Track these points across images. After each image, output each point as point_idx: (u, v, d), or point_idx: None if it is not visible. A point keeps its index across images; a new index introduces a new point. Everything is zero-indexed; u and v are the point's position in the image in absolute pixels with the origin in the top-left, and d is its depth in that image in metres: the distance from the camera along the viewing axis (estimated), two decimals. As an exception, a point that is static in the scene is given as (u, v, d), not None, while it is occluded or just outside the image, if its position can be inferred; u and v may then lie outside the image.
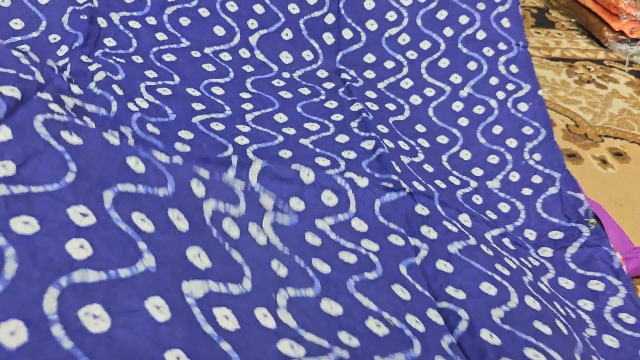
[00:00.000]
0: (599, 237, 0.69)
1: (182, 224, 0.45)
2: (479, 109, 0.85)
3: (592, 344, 0.55)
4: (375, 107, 0.81)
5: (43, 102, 0.48)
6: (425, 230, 0.58)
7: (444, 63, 0.90)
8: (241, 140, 0.67)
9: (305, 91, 0.82)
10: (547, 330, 0.50)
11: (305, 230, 0.54)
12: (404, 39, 0.92)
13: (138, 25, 0.80)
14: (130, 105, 0.63)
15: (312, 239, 0.54)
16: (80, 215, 0.39)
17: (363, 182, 0.61)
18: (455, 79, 0.88)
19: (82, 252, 0.37)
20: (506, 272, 0.56)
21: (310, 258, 0.51)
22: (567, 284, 0.64)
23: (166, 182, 0.48)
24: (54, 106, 0.48)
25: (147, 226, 0.42)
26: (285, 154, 0.66)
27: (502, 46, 0.91)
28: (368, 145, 0.70)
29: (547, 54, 1.24)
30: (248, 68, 0.83)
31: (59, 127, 0.45)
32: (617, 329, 0.59)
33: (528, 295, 0.54)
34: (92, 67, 0.66)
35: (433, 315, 0.50)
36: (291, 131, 0.71)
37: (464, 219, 0.64)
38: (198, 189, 0.49)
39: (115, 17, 0.78)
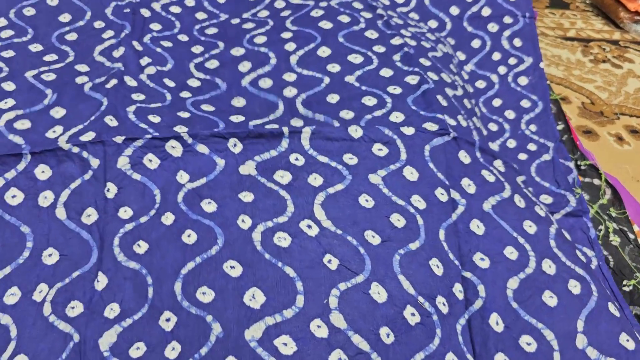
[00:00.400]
0: (582, 208, 0.74)
1: (236, 272, 0.51)
2: (480, 84, 0.88)
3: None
4: (414, 42, 0.79)
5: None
6: (466, 183, 0.61)
7: (449, 42, 0.92)
8: (289, 91, 0.69)
9: (344, 18, 0.79)
10: (553, 302, 0.53)
11: (359, 192, 0.57)
12: (412, 18, 0.93)
13: (179, 10, 0.83)
14: (183, 94, 0.68)
15: (365, 202, 0.57)
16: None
17: (409, 130, 0.62)
18: (459, 56, 0.90)
19: (173, 353, 0.47)
20: (532, 230, 0.59)
21: (362, 231, 0.55)
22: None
23: (216, 237, 0.53)
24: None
25: (208, 298, 0.50)
26: (333, 98, 0.68)
27: (507, 20, 0.93)
28: (412, 80, 0.70)
29: (562, 34, 1.24)
30: (285, 12, 0.83)
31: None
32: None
33: (546, 258, 0.57)
34: (143, 62, 0.70)
35: (457, 290, 0.53)
36: (336, 68, 0.72)
37: (498, 164, 0.66)
38: (244, 224, 0.54)
39: (156, 6, 0.82)
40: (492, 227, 0.58)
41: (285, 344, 0.46)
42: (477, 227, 0.58)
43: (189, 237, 0.53)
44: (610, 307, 0.55)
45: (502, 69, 0.89)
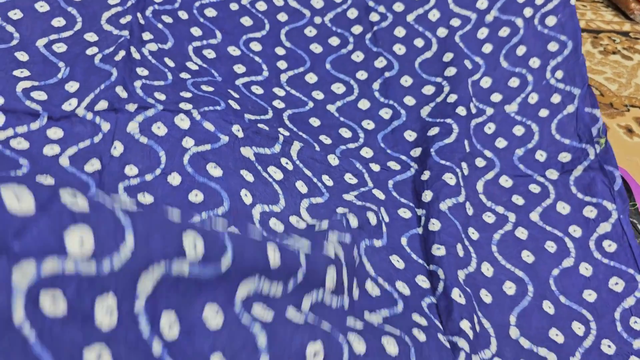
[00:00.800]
0: (605, 157, 0.73)
1: (249, 176, 0.57)
2: (504, 31, 0.84)
3: (562, 278, 0.62)
4: (402, 50, 0.83)
5: None
6: (424, 195, 0.66)
7: None
8: (278, 104, 0.74)
9: (334, 41, 0.84)
10: (488, 299, 0.58)
11: (335, 206, 0.63)
12: None
13: None
14: (183, 75, 0.70)
15: (341, 210, 0.62)
16: None
17: (375, 167, 0.71)
18: (482, 4, 0.85)
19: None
20: (474, 236, 0.64)
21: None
22: (564, 209, 0.69)
23: (222, 201, 0.55)
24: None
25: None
26: (315, 121, 0.74)
27: None
28: (385, 114, 0.77)
29: (571, 24, 1.22)
30: (282, 17, 0.86)
31: None
32: (596, 257, 0.64)
33: (485, 262, 0.62)
34: (145, 36, 0.72)
35: (420, 280, 0.58)
36: (320, 96, 0.78)
37: (464, 166, 0.70)
38: (246, 198, 0.56)
39: None
40: (447, 224, 0.62)
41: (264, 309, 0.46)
42: (433, 225, 0.62)
43: (196, 196, 0.55)
44: (544, 305, 0.59)
45: (527, 11, 0.84)
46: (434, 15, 0.85)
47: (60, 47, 0.66)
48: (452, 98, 0.77)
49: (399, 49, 0.83)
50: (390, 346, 0.46)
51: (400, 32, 0.84)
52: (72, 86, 0.62)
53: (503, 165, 0.73)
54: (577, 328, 0.58)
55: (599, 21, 1.23)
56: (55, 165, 0.55)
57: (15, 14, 0.68)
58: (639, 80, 1.05)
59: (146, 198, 0.54)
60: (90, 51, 0.67)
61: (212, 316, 0.38)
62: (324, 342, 0.41)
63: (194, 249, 0.37)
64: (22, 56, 0.64)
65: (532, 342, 0.56)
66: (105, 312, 0.32)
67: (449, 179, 0.66)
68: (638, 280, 0.62)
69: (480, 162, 0.72)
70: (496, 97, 0.80)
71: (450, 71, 0.81)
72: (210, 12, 0.82)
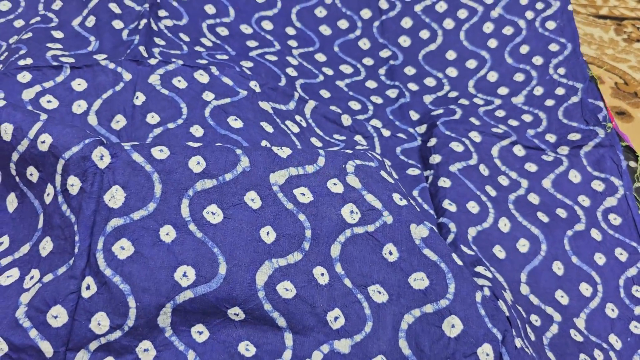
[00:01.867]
0: (613, 139, 0.76)
1: (269, 128, 0.62)
2: (507, 30, 0.88)
3: (577, 239, 0.65)
4: (407, 42, 0.87)
5: None
6: (432, 158, 0.70)
7: None
8: (291, 72, 0.77)
9: (343, 24, 0.88)
10: (502, 255, 0.61)
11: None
12: None
13: None
14: (198, 48, 0.73)
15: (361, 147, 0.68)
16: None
17: (386, 132, 0.75)
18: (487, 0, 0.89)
19: (198, 166, 0.49)
20: (493, 193, 0.67)
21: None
22: (575, 177, 0.72)
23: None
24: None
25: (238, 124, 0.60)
26: (325, 93, 0.77)
27: None
28: (392, 93, 0.81)
29: (594, 11, 1.19)
30: None
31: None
32: (603, 227, 0.68)
33: (503, 217, 0.65)
34: (161, 13, 0.76)
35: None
36: (329, 72, 0.82)
37: (474, 135, 0.73)
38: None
39: None
40: (457, 184, 0.66)
41: (304, 194, 0.51)
42: (443, 182, 0.66)
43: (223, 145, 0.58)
44: (554, 266, 0.62)
45: (529, 14, 0.88)
46: (442, 7, 0.89)
47: (91, 21, 0.71)
48: (453, 94, 0.83)
49: (404, 41, 0.87)
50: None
51: (407, 22, 0.88)
52: (101, 56, 0.66)
53: (518, 136, 0.76)
54: (585, 289, 0.61)
55: (623, 8, 1.21)
56: (85, 125, 0.59)
57: (57, 4, 0.74)
58: (664, 68, 1.02)
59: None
60: (116, 24, 0.71)
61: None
62: None
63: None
64: (58, 34, 0.69)
65: (540, 300, 0.59)
66: None
67: (456, 146, 0.70)
68: None
69: (496, 130, 0.75)
70: (503, 90, 0.84)
71: (452, 72, 0.86)
72: None
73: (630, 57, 1.05)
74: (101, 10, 0.71)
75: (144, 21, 0.70)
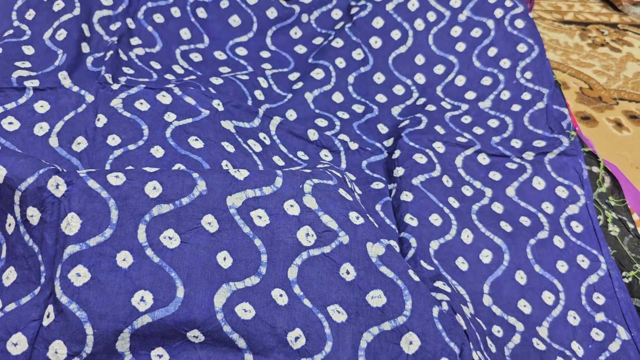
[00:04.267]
0: (576, 148, 0.78)
1: (230, 147, 0.62)
2: (476, 32, 0.88)
3: (539, 247, 0.66)
4: (378, 44, 0.87)
5: None
6: (396, 171, 0.70)
7: None
8: (259, 95, 0.77)
9: (318, 41, 0.88)
10: (464, 266, 0.62)
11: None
12: None
13: None
14: (168, 76, 0.73)
15: (322, 166, 0.66)
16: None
17: (354, 145, 0.75)
18: (455, 2, 0.89)
19: (154, 191, 0.49)
20: (456, 205, 0.68)
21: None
22: (539, 184, 0.73)
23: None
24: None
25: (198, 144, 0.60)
26: (291, 115, 0.77)
27: None
28: (358, 109, 0.82)
29: (560, 17, 1.21)
30: (271, 13, 0.88)
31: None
32: (566, 234, 0.69)
33: (466, 228, 0.65)
34: (134, 41, 0.76)
35: (393, 244, 0.60)
36: (298, 85, 0.81)
37: (437, 145, 0.74)
38: (227, 168, 0.59)
39: None
40: (420, 197, 0.66)
41: (260, 217, 0.51)
42: (405, 196, 0.66)
43: (179, 168, 0.56)
44: (516, 275, 0.63)
45: (498, 12, 0.89)
46: (414, 5, 0.88)
47: (61, 35, 0.70)
48: (421, 101, 0.83)
49: (375, 42, 0.87)
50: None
51: (378, 22, 0.87)
52: (65, 78, 0.66)
53: (482, 145, 0.77)
54: (547, 297, 0.62)
55: (588, 13, 1.23)
56: (46, 147, 0.59)
57: (30, 15, 0.73)
58: (628, 72, 1.05)
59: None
60: (84, 47, 0.72)
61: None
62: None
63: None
64: (28, 50, 0.69)
65: (503, 311, 0.60)
66: None
67: (419, 158, 0.71)
68: (600, 261, 0.66)
69: (460, 139, 0.76)
70: (470, 95, 0.85)
71: (421, 79, 0.86)
72: (201, 12, 0.85)
73: (595, 62, 1.07)
74: (73, 27, 0.71)
75: (110, 52, 0.70)
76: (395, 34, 0.87)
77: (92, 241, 0.46)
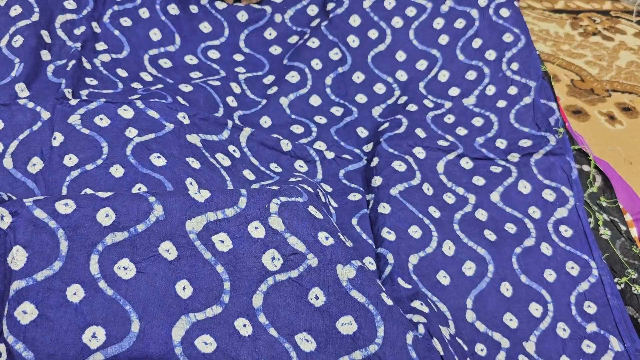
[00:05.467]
0: (564, 146, 0.75)
1: (196, 163, 0.59)
2: (459, 23, 0.85)
3: (525, 256, 0.62)
4: (356, 43, 0.83)
5: None
6: (374, 181, 0.66)
7: None
8: (231, 101, 0.73)
9: (293, 39, 0.85)
10: (446, 281, 0.58)
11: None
12: None
13: None
14: (135, 85, 0.70)
15: (294, 179, 0.63)
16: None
17: (330, 154, 0.71)
18: None
19: (107, 219, 0.46)
20: (437, 215, 0.64)
21: None
22: (525, 187, 0.70)
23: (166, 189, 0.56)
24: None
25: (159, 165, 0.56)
26: (265, 122, 0.74)
27: None
28: (337, 111, 0.78)
29: (550, 6, 1.17)
30: (242, 16, 0.85)
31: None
32: (554, 240, 0.65)
33: (447, 240, 0.62)
34: (99, 47, 0.73)
35: (367, 262, 0.58)
36: (273, 90, 0.77)
37: (418, 151, 0.70)
38: (192, 187, 0.57)
39: None
40: (398, 208, 0.63)
41: (222, 241, 0.48)
42: (383, 207, 0.63)
43: (139, 189, 0.54)
44: (502, 287, 0.59)
45: (482, 1, 0.85)
46: (390, 4, 0.85)
47: (17, 41, 0.67)
48: (403, 99, 0.80)
49: (353, 41, 0.83)
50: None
51: (355, 20, 0.84)
52: (23, 90, 0.63)
53: (465, 148, 0.73)
54: (535, 309, 0.59)
55: (579, 1, 1.18)
56: (1, 169, 0.56)
57: None
58: (621, 62, 1.01)
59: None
60: (44, 55, 0.68)
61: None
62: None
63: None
64: None
65: (487, 326, 0.57)
66: None
67: (398, 165, 0.68)
68: (592, 267, 0.63)
69: (442, 142, 0.73)
70: (454, 91, 0.81)
71: (402, 76, 0.82)
72: (174, 10, 0.81)
73: (587, 52, 1.03)
74: (31, 34, 0.67)
75: (72, 62, 0.67)
76: (373, 34, 0.84)
77: (39, 275, 0.43)
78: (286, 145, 0.69)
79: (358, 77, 0.81)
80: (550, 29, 1.09)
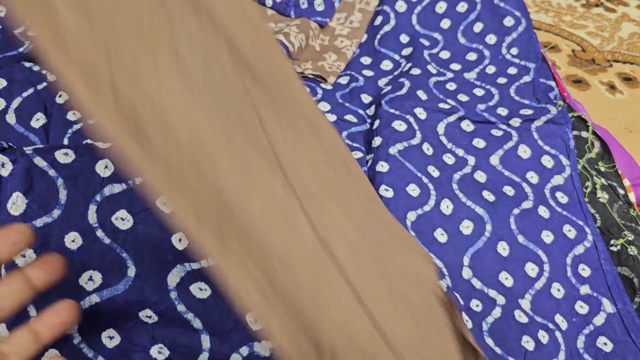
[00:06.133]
0: (564, 117, 0.74)
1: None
2: (461, 7, 0.86)
3: (523, 217, 0.63)
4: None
5: None
6: (374, 141, 0.67)
7: None
8: None
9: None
10: (443, 238, 0.59)
11: None
12: None
13: None
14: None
15: None
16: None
17: (332, 117, 0.72)
18: None
19: (107, 170, 0.46)
20: (435, 174, 0.65)
21: None
22: (525, 152, 0.70)
23: None
24: None
25: None
26: None
27: None
28: (343, 80, 0.79)
29: (553, -23, 1.16)
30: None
31: None
32: (551, 205, 0.66)
33: (446, 199, 0.62)
34: None
35: None
36: None
37: (419, 111, 0.71)
38: None
39: None
40: (396, 166, 0.63)
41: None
42: (381, 166, 0.64)
43: None
44: (499, 247, 0.60)
45: None
46: None
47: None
48: (407, 66, 0.80)
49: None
50: None
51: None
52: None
53: (466, 111, 0.74)
54: (530, 269, 0.59)
55: (582, -27, 1.17)
56: (4, 124, 0.56)
57: None
58: (623, 33, 1.00)
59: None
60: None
61: None
62: None
63: None
64: None
65: (483, 283, 0.57)
66: None
67: (398, 125, 0.68)
68: (587, 232, 0.63)
69: (443, 105, 0.73)
70: (455, 67, 0.82)
71: (408, 51, 0.83)
72: None
73: (589, 23, 1.03)
74: None
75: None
76: (377, 19, 0.85)
77: (38, 222, 0.44)
78: None
79: (365, 60, 0.83)
80: (552, 0, 1.08)
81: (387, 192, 0.60)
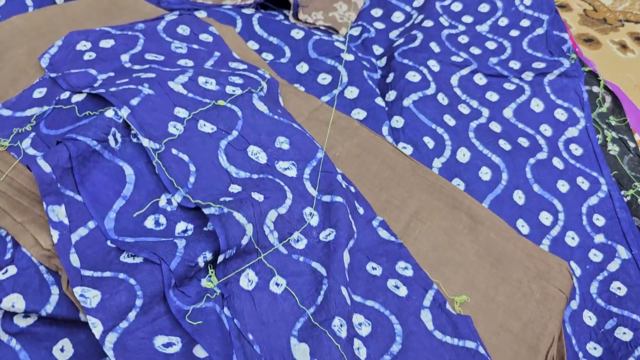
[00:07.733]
0: (577, 70, 0.74)
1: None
2: None
3: (539, 167, 0.63)
4: None
5: None
6: (388, 95, 0.67)
7: None
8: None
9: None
10: (461, 187, 0.59)
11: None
12: None
13: None
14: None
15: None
16: None
17: (350, 57, 0.70)
18: None
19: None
20: (452, 123, 0.65)
21: None
22: (537, 106, 0.70)
23: None
24: None
25: None
26: (298, 34, 0.74)
27: None
28: (355, 31, 0.78)
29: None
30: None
31: None
32: (565, 157, 0.65)
33: (462, 147, 0.62)
34: None
35: None
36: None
37: (432, 64, 0.71)
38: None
39: None
40: (411, 119, 0.63)
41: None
42: (396, 122, 0.64)
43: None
44: (514, 195, 0.60)
45: None
46: None
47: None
48: (419, 18, 0.79)
49: None
50: None
51: None
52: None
53: (479, 65, 0.73)
54: (545, 218, 0.59)
55: None
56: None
57: None
58: (635, -8, 0.99)
59: None
60: None
61: None
62: None
63: None
64: None
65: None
66: None
67: (412, 76, 0.68)
68: (601, 182, 0.63)
69: (456, 58, 0.73)
70: (467, 19, 0.81)
71: (419, 2, 0.83)
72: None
73: (601, -17, 1.01)
74: None
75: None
76: None
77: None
78: (301, 67, 0.71)
79: (376, 12, 0.82)
80: (564, -40, 1.07)
81: (406, 149, 0.61)
